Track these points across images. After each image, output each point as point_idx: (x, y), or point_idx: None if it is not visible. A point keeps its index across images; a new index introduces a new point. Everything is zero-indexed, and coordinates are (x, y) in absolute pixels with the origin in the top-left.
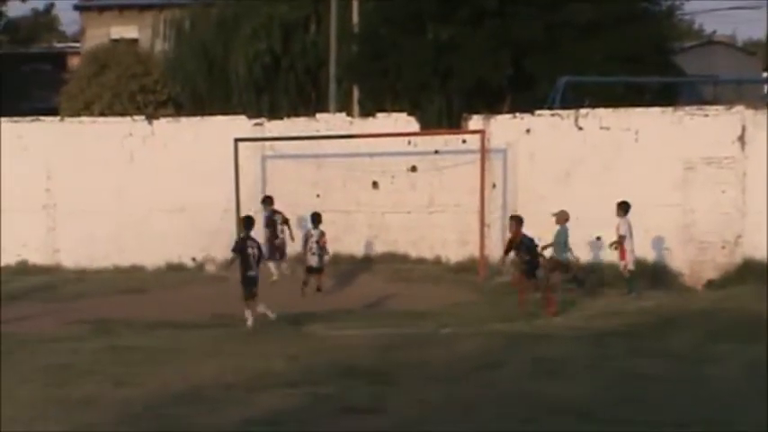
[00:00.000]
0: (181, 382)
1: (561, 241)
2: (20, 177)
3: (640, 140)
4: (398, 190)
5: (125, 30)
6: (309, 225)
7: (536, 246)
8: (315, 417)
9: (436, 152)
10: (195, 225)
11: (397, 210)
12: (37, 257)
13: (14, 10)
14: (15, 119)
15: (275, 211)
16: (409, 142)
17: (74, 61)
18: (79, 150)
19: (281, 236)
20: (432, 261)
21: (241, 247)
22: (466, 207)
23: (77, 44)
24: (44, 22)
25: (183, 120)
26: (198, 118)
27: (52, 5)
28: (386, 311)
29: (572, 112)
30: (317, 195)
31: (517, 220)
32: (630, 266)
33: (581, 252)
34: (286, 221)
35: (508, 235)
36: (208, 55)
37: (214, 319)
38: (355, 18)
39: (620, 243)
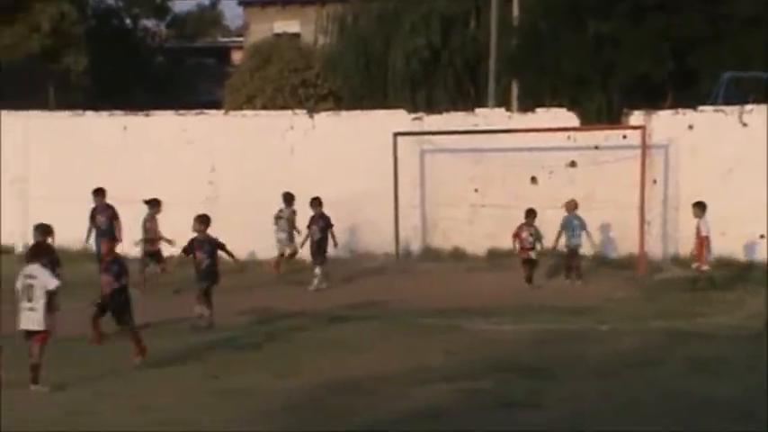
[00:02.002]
0: (339, 373)
1: (570, 228)
2: (184, 170)
3: None
4: (557, 185)
5: (287, 24)
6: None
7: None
8: (472, 411)
9: (596, 147)
10: (354, 218)
11: (556, 205)
12: None
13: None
14: (181, 112)
15: (323, 214)
16: (569, 137)
17: (237, 55)
18: (242, 143)
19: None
20: (591, 257)
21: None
22: (625, 203)
23: (241, 38)
24: (209, 17)
25: (343, 113)
26: (358, 112)
27: (218, 1)
28: (544, 307)
29: (736, 108)
30: (476, 190)
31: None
32: (704, 267)
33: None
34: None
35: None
36: (367, 49)
37: (370, 310)
38: (515, 11)
39: (700, 245)
